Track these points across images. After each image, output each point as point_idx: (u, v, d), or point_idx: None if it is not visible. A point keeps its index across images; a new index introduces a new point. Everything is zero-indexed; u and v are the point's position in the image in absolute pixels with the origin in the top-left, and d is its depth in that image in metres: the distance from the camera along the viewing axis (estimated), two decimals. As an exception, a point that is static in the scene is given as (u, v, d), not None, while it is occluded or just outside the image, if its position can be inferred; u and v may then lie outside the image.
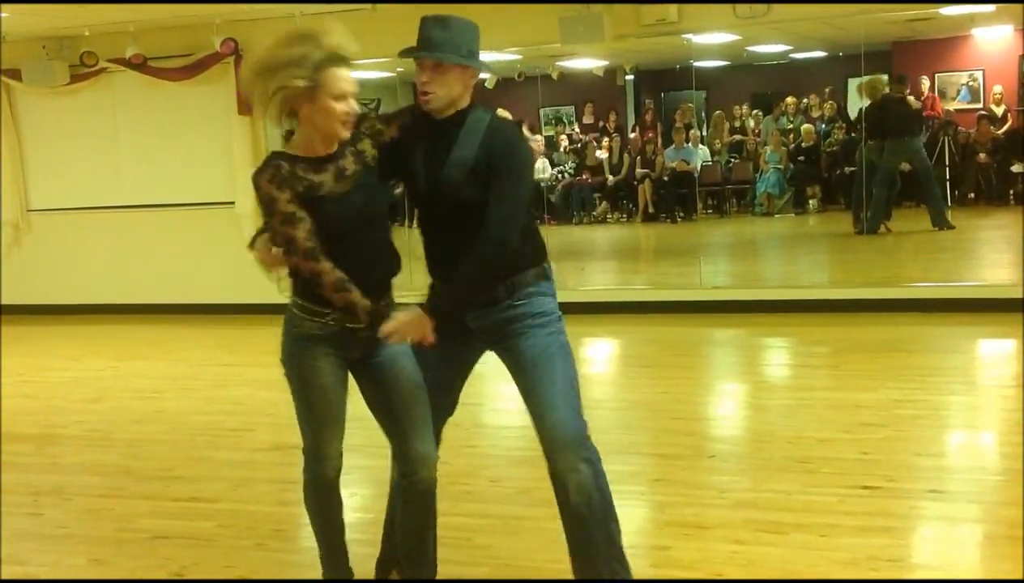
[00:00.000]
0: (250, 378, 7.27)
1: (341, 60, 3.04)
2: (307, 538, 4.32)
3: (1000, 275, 8.97)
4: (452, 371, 3.48)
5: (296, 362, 3.31)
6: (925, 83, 13.12)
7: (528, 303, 3.26)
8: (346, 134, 3.10)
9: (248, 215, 9.66)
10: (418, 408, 3.34)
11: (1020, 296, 7.56)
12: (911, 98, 11.62)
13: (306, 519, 4.51)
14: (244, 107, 9.47)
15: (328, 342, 3.22)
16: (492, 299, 3.21)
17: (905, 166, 10.80)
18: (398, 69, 13.07)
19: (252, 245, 3.31)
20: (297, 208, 3.03)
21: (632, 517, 4.28)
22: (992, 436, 5.31)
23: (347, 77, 3.05)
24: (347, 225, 3.10)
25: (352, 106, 3.07)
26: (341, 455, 3.50)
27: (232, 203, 9.71)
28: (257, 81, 2.99)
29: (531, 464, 5.06)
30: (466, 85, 3.20)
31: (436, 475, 3.41)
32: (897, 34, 13.19)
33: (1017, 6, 8.52)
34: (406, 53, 3.23)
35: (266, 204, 3.04)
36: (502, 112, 3.31)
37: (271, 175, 3.02)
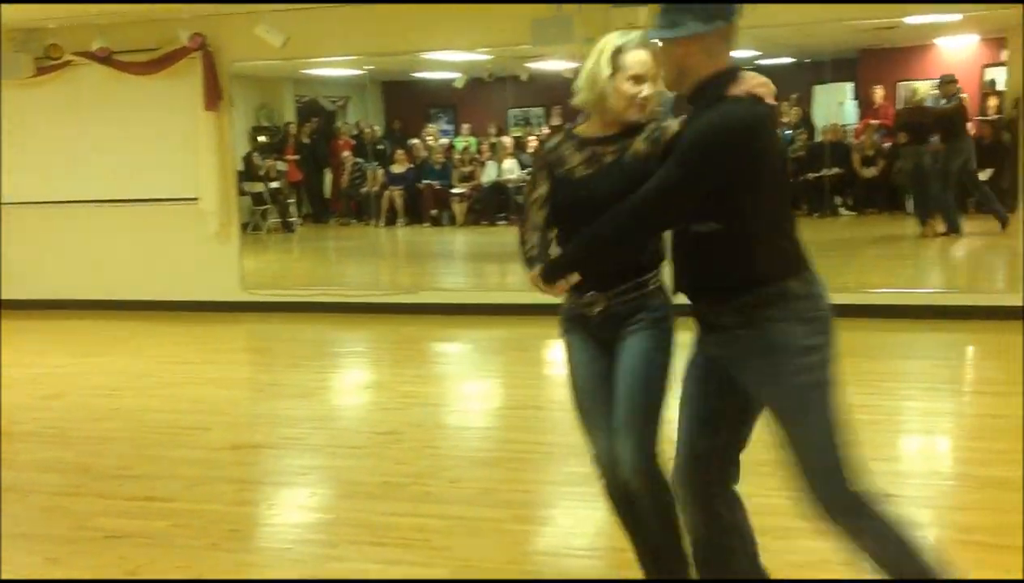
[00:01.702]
0: (210, 376, 7.23)
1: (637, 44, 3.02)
2: (262, 538, 4.32)
3: (960, 281, 9.08)
4: (725, 399, 2.96)
5: (562, 340, 3.30)
6: (879, 92, 13.26)
7: (756, 331, 2.83)
8: (633, 117, 3.03)
9: (212, 211, 9.62)
10: (623, 406, 3.08)
11: (978, 304, 7.67)
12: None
13: (263, 519, 4.53)
14: (210, 102, 9.42)
15: (574, 321, 3.23)
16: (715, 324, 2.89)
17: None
18: (367, 67, 13.06)
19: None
20: (541, 177, 3.15)
21: (591, 519, 4.30)
22: (946, 441, 5.38)
23: (638, 60, 3.00)
24: (572, 207, 3.06)
25: (640, 90, 2.99)
26: (634, 451, 3.07)
27: (196, 199, 9.65)
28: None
29: (492, 465, 5.10)
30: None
31: (635, 485, 3.12)
32: (864, 42, 13.31)
33: (980, 16, 8.62)
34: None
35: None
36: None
37: (545, 144, 3.21)
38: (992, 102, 11.75)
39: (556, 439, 5.56)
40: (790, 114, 15.05)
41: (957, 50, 14.06)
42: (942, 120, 10.86)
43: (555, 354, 8.22)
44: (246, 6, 8.54)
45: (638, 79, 2.98)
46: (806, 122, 15.40)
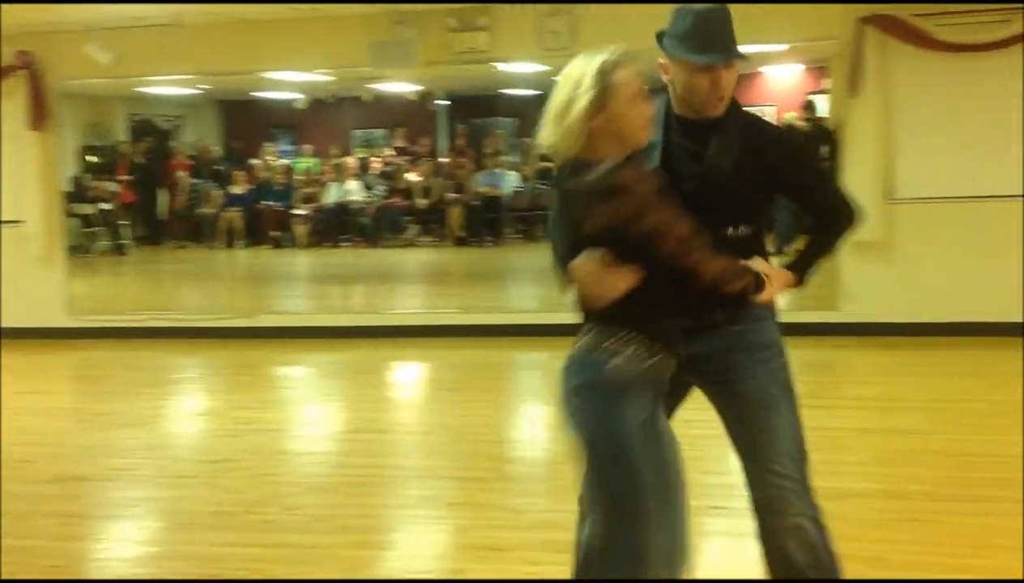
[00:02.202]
0: (36, 406, 6.89)
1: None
2: (88, 574, 4.13)
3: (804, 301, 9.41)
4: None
5: None
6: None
7: (751, 330, 2.89)
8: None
9: (36, 234, 9.19)
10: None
11: (802, 320, 7.96)
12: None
13: (88, 554, 4.33)
14: (36, 122, 9.02)
15: None
16: (710, 323, 2.84)
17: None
18: (203, 86, 12.77)
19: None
20: None
21: (429, 542, 4.28)
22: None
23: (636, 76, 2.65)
24: None
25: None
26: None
27: (20, 222, 9.21)
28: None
29: (331, 490, 5.02)
30: None
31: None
32: (697, 69, 13.76)
33: (806, 45, 9.02)
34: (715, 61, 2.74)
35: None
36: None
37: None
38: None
39: (397, 462, 5.52)
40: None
41: (784, 79, 14.74)
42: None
43: (399, 375, 8.19)
44: (76, 20, 8.22)
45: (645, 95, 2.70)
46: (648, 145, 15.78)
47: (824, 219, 2.97)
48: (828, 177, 2.97)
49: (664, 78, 2.85)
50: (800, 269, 2.92)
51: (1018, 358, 6.68)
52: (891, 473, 4.94)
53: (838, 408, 5.54)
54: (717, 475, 4.87)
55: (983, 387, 6.55)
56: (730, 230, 2.79)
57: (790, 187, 2.93)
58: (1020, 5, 7.20)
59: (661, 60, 2.83)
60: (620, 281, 2.58)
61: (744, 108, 2.90)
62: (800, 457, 2.87)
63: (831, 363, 7.54)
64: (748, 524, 4.30)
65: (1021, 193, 7.55)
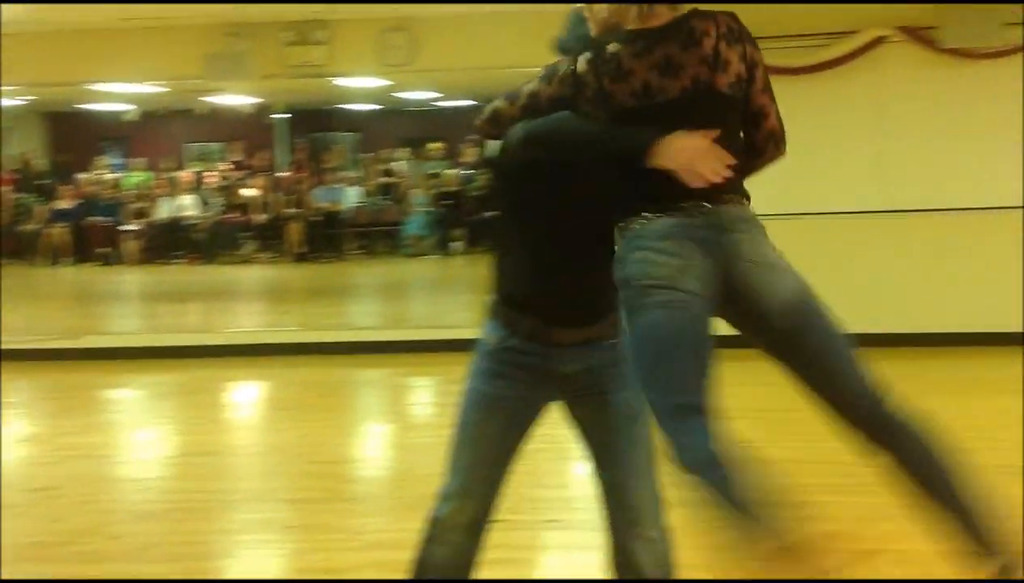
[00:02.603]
0: None
1: None
2: None
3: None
4: (516, 437, 2.83)
5: None
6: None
7: (620, 345, 2.67)
8: None
9: None
10: None
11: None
12: None
13: None
14: None
15: None
16: (597, 336, 2.71)
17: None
18: (28, 97, 12.25)
19: None
20: None
21: (263, 567, 4.18)
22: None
23: None
24: None
25: None
26: None
27: None
28: None
29: (157, 518, 4.84)
30: None
31: None
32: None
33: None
34: None
35: None
36: None
37: None
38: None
39: (230, 485, 5.37)
40: (470, 154, 15.57)
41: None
42: None
43: (235, 396, 7.98)
44: None
45: None
46: (486, 162, 15.92)
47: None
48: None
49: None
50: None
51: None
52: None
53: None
54: (551, 489, 4.93)
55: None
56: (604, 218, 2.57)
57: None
58: (837, 33, 7.58)
59: None
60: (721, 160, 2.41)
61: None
62: (654, 472, 2.87)
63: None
64: (585, 537, 4.37)
65: (841, 210, 7.94)
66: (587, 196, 2.56)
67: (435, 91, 14.87)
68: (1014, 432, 5.61)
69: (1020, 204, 7.61)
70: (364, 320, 10.48)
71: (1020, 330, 7.73)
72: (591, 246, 2.57)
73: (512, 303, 2.72)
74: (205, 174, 15.68)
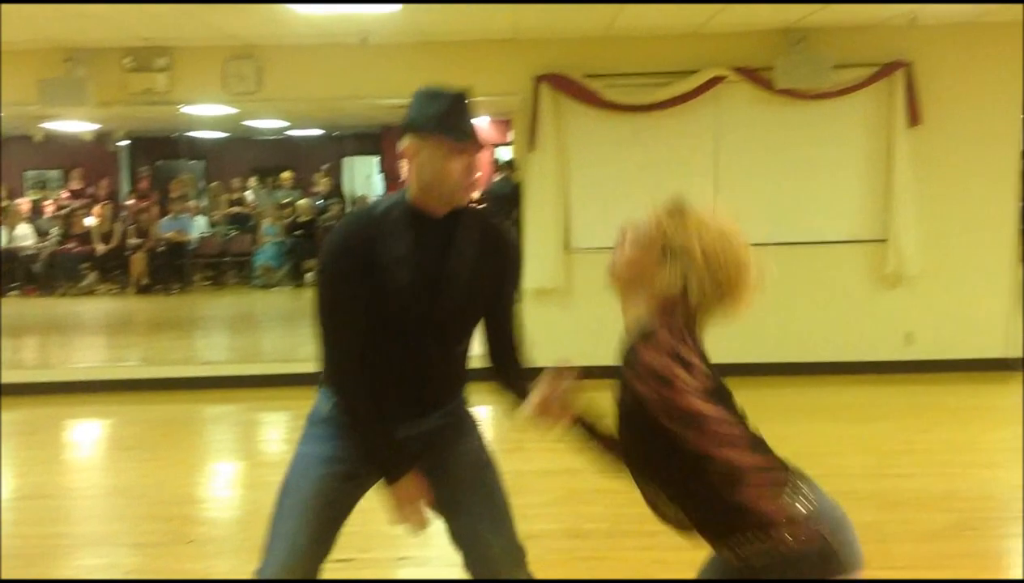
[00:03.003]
0: None
1: None
2: None
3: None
4: (351, 500, 2.90)
5: None
6: (405, 165, 14.09)
7: (454, 411, 2.91)
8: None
9: None
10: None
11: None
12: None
13: None
14: None
15: None
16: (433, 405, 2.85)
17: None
18: None
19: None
20: None
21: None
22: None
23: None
24: None
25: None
26: None
27: None
28: None
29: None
30: None
31: None
32: (386, 119, 13.98)
33: (491, 100, 9.36)
34: (472, 143, 2.68)
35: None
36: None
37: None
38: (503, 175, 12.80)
39: (68, 530, 5.16)
40: (322, 184, 15.45)
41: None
42: (500, 199, 11.41)
43: (72, 435, 7.66)
44: None
45: None
46: (338, 192, 15.86)
47: (504, 343, 2.92)
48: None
49: (406, 166, 2.71)
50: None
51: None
52: (573, 512, 5.16)
53: (525, 451, 5.73)
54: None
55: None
56: (460, 347, 2.83)
57: (497, 297, 2.86)
58: (680, 70, 7.85)
59: (406, 144, 2.68)
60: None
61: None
62: (508, 517, 2.92)
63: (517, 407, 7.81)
64: (438, 572, 4.38)
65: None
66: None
67: (283, 120, 14.71)
68: (855, 458, 5.91)
69: (848, 239, 8.04)
70: (212, 354, 10.23)
71: (853, 359, 8.15)
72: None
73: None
74: (44, 203, 15.08)
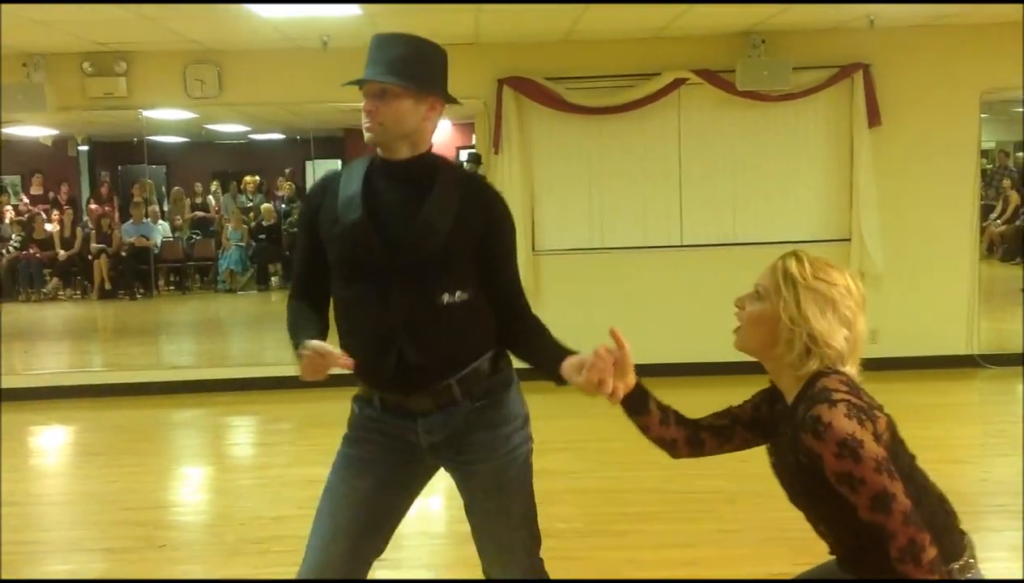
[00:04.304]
0: None
1: None
2: None
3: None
4: (396, 497, 2.79)
5: None
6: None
7: (492, 404, 2.70)
8: None
9: None
10: None
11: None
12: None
13: None
14: None
15: None
16: (448, 401, 2.65)
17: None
18: None
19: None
20: None
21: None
22: (439, 501, 5.68)
23: None
24: None
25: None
26: None
27: None
28: None
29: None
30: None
31: None
32: (348, 122, 13.93)
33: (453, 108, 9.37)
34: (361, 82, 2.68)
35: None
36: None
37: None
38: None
39: (35, 537, 5.13)
40: (284, 188, 15.38)
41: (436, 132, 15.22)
42: None
43: (38, 442, 7.59)
44: None
45: None
46: (301, 196, 15.78)
47: (511, 314, 2.79)
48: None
49: None
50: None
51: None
52: (547, 513, 5.16)
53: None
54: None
55: (620, 427, 7.02)
56: (446, 297, 2.59)
57: (488, 258, 2.69)
58: (642, 73, 7.92)
59: None
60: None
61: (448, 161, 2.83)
62: (530, 541, 2.88)
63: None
64: (414, 573, 4.40)
65: (645, 244, 8.25)
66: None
67: (245, 124, 14.64)
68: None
69: (811, 238, 8.14)
70: (178, 359, 10.17)
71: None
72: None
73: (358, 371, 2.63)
74: (3, 208, 14.90)
